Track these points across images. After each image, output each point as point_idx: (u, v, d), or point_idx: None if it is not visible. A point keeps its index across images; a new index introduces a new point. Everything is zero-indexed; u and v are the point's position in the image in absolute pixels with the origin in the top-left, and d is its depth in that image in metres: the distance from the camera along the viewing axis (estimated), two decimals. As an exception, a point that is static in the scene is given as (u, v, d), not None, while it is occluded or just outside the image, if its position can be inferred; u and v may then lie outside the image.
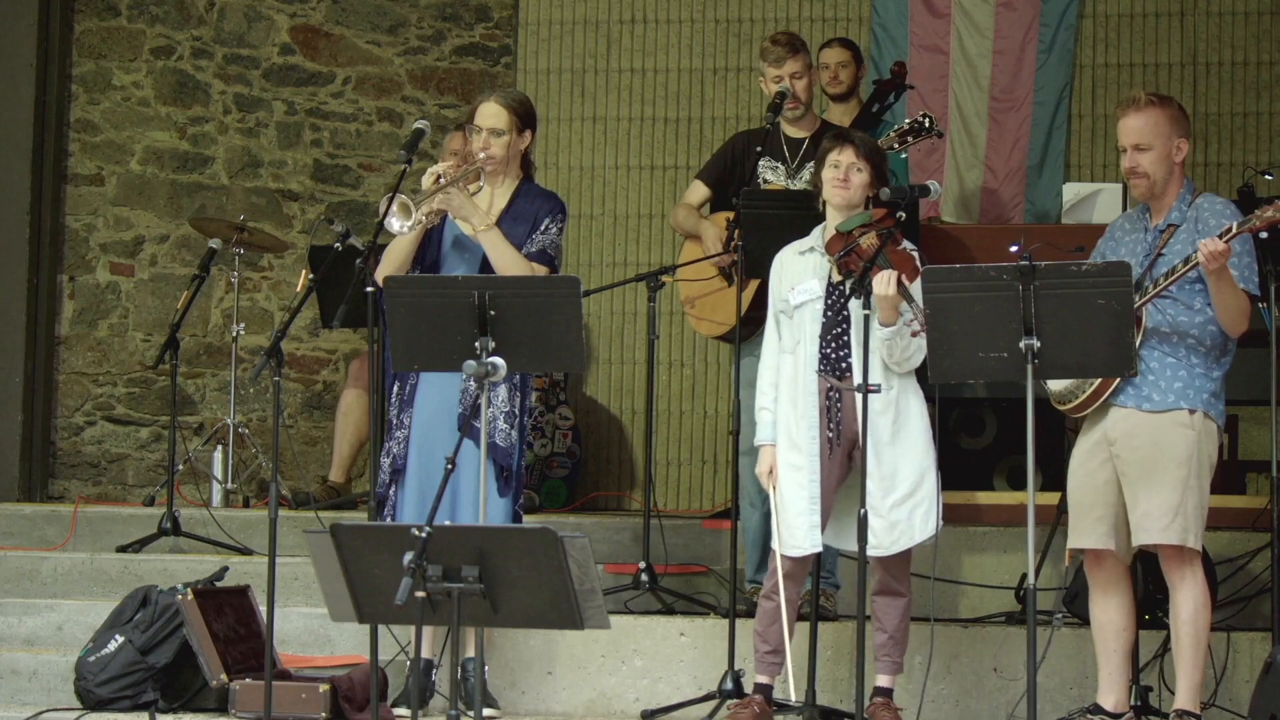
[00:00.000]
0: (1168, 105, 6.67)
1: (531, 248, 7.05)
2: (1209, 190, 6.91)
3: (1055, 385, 6.63)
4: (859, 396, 6.71)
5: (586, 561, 5.28)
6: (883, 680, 6.86)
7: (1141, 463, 6.51)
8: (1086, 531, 6.63)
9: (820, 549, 6.83)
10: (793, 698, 6.92)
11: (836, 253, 6.80)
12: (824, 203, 6.99)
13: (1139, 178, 6.63)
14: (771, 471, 6.90)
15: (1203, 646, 6.58)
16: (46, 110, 10.55)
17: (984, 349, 6.23)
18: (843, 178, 6.87)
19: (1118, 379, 6.52)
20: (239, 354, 9.79)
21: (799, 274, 6.94)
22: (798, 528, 6.81)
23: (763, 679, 6.92)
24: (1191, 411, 6.53)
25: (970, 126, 10.53)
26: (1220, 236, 6.34)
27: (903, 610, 6.85)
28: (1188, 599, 6.52)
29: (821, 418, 6.83)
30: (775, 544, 6.86)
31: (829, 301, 6.88)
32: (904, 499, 6.74)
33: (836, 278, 6.87)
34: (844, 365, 6.84)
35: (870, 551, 6.76)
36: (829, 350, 6.86)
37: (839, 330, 6.84)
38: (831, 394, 6.84)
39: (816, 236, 7.00)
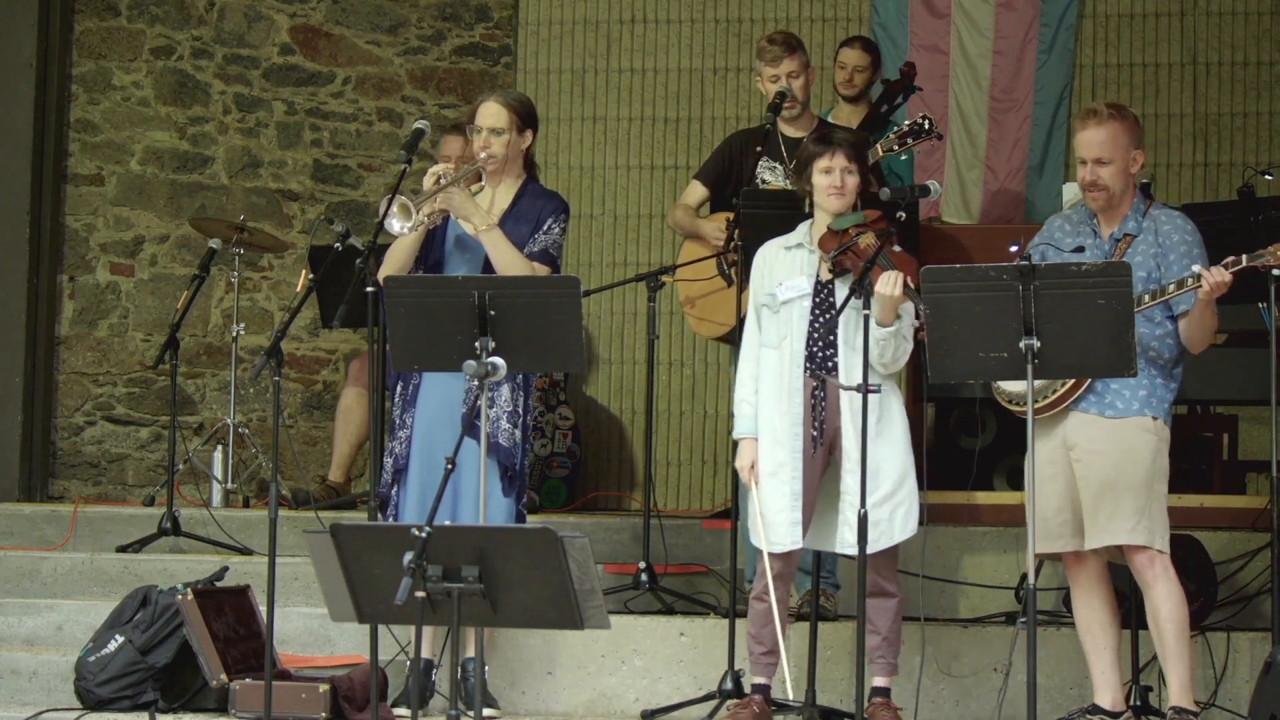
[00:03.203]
0: (1125, 117, 6.69)
1: (534, 247, 7.05)
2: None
3: (1012, 386, 6.63)
4: (845, 395, 6.73)
5: (586, 561, 5.28)
6: (879, 681, 6.86)
7: (1106, 467, 6.54)
8: (1054, 536, 6.64)
9: (800, 545, 6.84)
10: (790, 697, 6.93)
11: (830, 250, 6.80)
12: (810, 202, 7.00)
13: (1099, 191, 6.65)
14: (753, 466, 6.91)
15: (1187, 641, 6.59)
16: (46, 110, 10.55)
17: (984, 349, 6.23)
18: (838, 185, 6.87)
19: (1087, 383, 6.54)
20: (239, 354, 9.79)
21: (786, 270, 6.94)
22: (779, 524, 6.82)
23: (760, 679, 6.93)
24: (1155, 419, 6.58)
25: (970, 126, 10.53)
26: (1225, 267, 6.34)
27: (894, 611, 6.86)
28: (1165, 597, 6.54)
29: (806, 416, 6.84)
30: (760, 543, 6.87)
31: (817, 300, 6.88)
32: (885, 498, 6.74)
33: (825, 276, 6.88)
34: (831, 364, 6.84)
35: (850, 550, 6.79)
36: (816, 349, 6.86)
37: (828, 329, 6.84)
38: (818, 392, 6.84)
39: (804, 233, 7.00)
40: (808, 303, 6.88)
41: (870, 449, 6.70)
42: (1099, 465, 6.55)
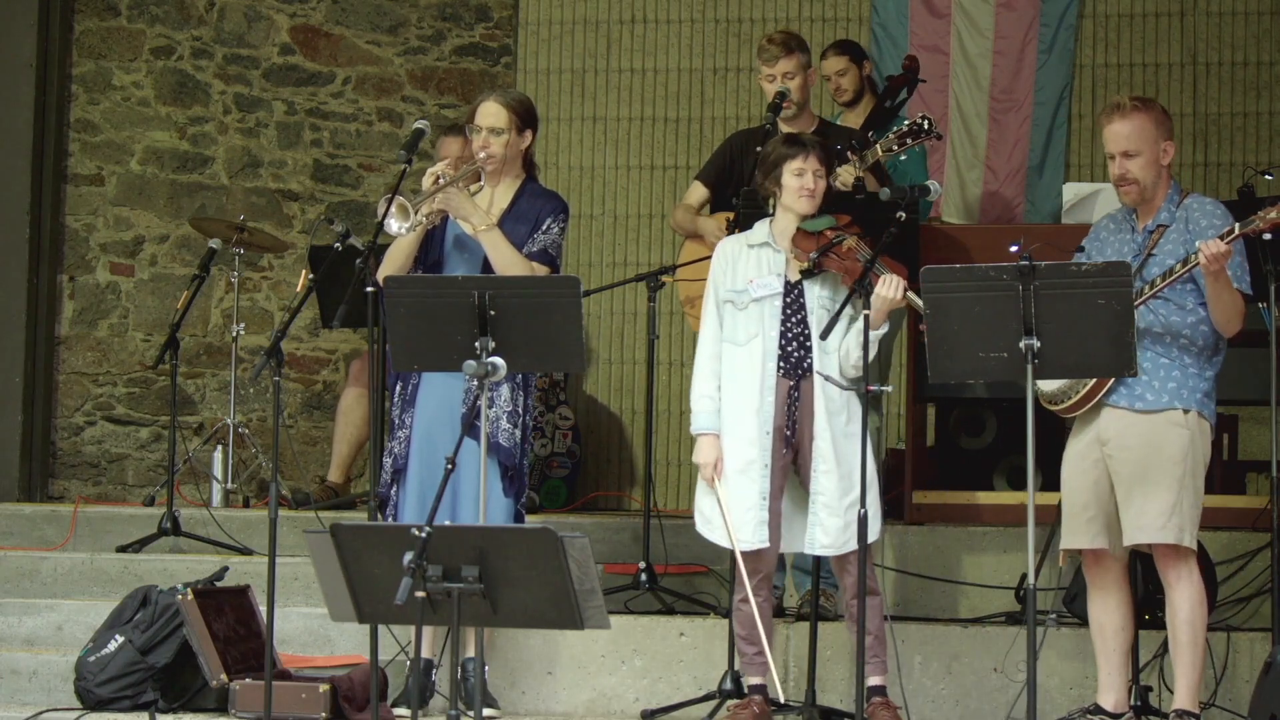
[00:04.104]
0: (1152, 109, 6.67)
1: (533, 247, 7.05)
2: (1203, 191, 6.90)
3: (1047, 386, 6.61)
4: (820, 397, 6.73)
5: (586, 561, 5.28)
6: (875, 680, 6.86)
7: (1135, 463, 6.52)
8: (1080, 532, 6.64)
9: (766, 544, 6.83)
10: (781, 698, 6.92)
11: (810, 251, 6.80)
12: (772, 201, 6.99)
13: (1129, 184, 6.63)
14: (716, 464, 6.89)
15: (1201, 645, 6.58)
16: (46, 110, 10.55)
17: (984, 349, 6.23)
18: (810, 187, 6.88)
19: (1112, 379, 6.52)
20: (239, 354, 9.79)
21: (753, 268, 6.94)
22: (746, 524, 6.82)
23: (756, 680, 6.93)
24: (1186, 411, 6.55)
25: (970, 127, 10.53)
26: (1221, 238, 6.33)
27: (879, 608, 6.86)
28: (1185, 598, 6.52)
29: (779, 414, 6.83)
30: (720, 540, 6.87)
31: (788, 299, 6.89)
32: (859, 499, 6.73)
33: (794, 276, 6.88)
34: (806, 364, 6.84)
35: (821, 551, 6.79)
36: (791, 348, 6.86)
37: (800, 330, 6.85)
38: (793, 391, 6.84)
39: (766, 232, 7.00)
40: (779, 302, 6.88)
41: (845, 450, 6.71)
42: (1129, 460, 6.53)
